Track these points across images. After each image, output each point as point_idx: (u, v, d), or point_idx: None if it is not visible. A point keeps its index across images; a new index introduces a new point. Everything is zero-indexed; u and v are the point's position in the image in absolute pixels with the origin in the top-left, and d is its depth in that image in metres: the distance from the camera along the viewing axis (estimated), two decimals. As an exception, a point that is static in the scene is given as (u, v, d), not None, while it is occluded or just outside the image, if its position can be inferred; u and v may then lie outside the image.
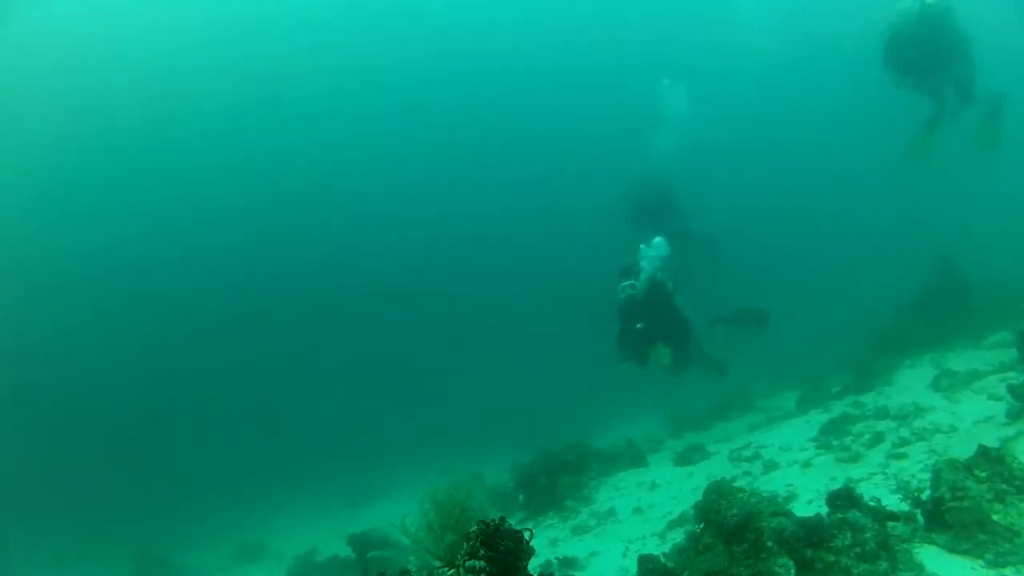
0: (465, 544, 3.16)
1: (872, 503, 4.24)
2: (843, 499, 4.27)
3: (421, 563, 3.73)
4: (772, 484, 6.44)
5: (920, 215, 18.28)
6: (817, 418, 8.08)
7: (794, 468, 6.70)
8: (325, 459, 17.78)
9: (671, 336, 9.44)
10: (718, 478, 7.04)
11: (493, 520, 3.17)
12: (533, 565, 6.80)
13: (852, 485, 5.48)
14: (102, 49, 28.63)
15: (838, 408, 8.09)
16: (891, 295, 11.92)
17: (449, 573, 3.21)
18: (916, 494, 4.43)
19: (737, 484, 6.76)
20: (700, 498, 4.87)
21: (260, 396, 25.20)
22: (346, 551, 9.07)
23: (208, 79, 31.71)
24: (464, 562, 3.02)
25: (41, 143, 28.52)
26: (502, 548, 3.03)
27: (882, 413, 7.20)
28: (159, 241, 32.52)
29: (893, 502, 4.58)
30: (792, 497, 5.88)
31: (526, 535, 3.18)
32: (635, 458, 9.12)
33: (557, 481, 8.61)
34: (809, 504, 5.58)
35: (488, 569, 2.97)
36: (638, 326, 9.33)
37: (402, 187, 35.06)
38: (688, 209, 15.44)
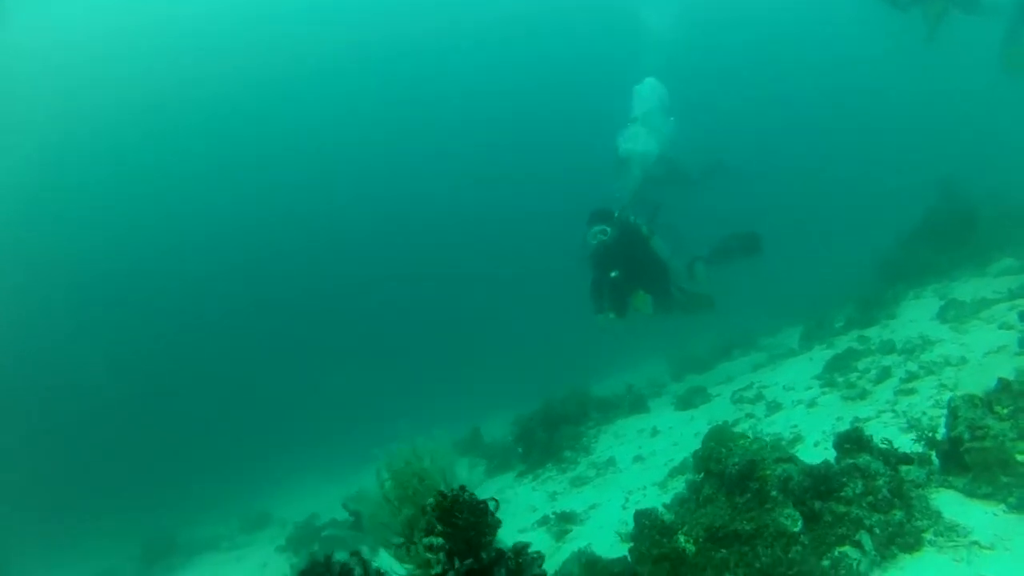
0: (422, 518, 2.75)
1: (883, 445, 3.85)
2: (852, 442, 3.88)
3: (378, 540, 3.35)
4: (776, 426, 6.10)
5: (921, 140, 17.74)
6: (821, 355, 7.70)
7: (799, 408, 6.34)
8: (330, 424, 17.54)
9: (650, 282, 8.79)
10: (720, 422, 6.71)
11: (452, 490, 2.75)
12: (531, 521, 6.57)
13: (860, 424, 5.16)
14: (101, 49, 27.98)
15: (842, 343, 7.71)
16: (893, 224, 11.51)
17: (404, 551, 2.82)
18: (929, 433, 4.04)
19: (740, 427, 6.44)
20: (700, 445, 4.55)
21: (262, 372, 24.95)
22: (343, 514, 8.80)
23: (207, 78, 31.12)
24: (420, 539, 2.63)
25: (40, 144, 28.02)
26: (461, 522, 2.63)
27: (888, 347, 6.81)
28: (166, 231, 32.32)
29: (905, 443, 4.21)
30: (797, 439, 5.52)
31: (491, 505, 2.76)
32: (635, 404, 8.77)
33: (556, 432, 8.29)
34: (816, 447, 5.22)
35: (446, 546, 2.59)
36: (612, 274, 8.67)
37: (395, 165, 34.73)
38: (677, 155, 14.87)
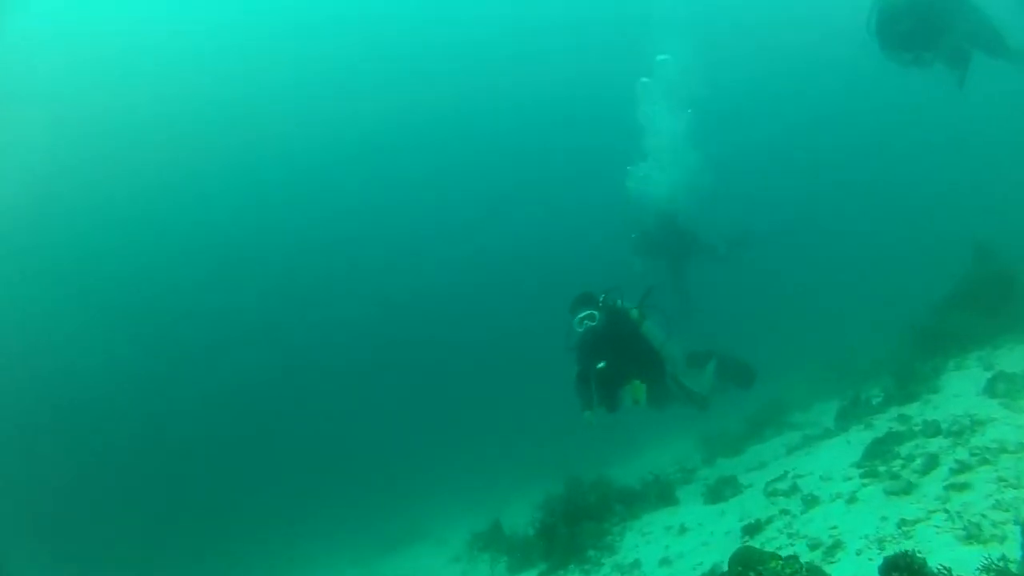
0: None
1: (942, 574, 3.19)
2: (903, 571, 3.23)
3: None
4: (813, 526, 5.39)
5: (948, 201, 17.11)
6: (859, 437, 7.00)
7: (838, 504, 5.62)
8: (350, 501, 16.90)
9: (643, 373, 7.98)
10: (752, 519, 6.03)
11: None
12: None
13: (908, 529, 4.49)
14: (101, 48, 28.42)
15: (882, 424, 7.00)
16: (925, 289, 10.85)
17: None
18: (1001, 563, 3.37)
19: (774, 526, 5.77)
20: (732, 549, 3.92)
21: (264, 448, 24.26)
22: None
23: (210, 77, 31.37)
24: None
25: (40, 143, 28.20)
26: None
27: (932, 429, 6.10)
28: (173, 255, 32.10)
29: (966, 559, 3.54)
30: (837, 546, 4.81)
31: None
32: (663, 495, 8.05)
33: (578, 529, 7.61)
34: (858, 556, 4.52)
35: None
36: (600, 365, 7.95)
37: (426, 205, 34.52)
38: (696, 224, 14.30)
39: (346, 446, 22.25)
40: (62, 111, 28.50)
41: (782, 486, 6.59)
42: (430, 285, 31.73)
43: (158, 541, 16.51)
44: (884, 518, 4.88)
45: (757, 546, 5.43)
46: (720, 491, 7.32)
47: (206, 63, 31.09)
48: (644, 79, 12.44)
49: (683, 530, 6.84)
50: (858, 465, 6.19)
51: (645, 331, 8.31)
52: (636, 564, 6.51)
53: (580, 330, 8.09)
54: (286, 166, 34.09)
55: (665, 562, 6.30)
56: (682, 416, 11.51)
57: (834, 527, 5.18)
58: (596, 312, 8.09)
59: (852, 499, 5.55)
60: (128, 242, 31.91)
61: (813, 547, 4.98)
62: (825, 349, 13.60)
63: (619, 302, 8.40)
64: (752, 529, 5.90)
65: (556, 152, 33.36)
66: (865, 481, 5.79)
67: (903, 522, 4.63)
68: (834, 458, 6.76)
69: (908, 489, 5.20)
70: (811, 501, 5.95)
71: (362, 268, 33.39)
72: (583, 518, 7.79)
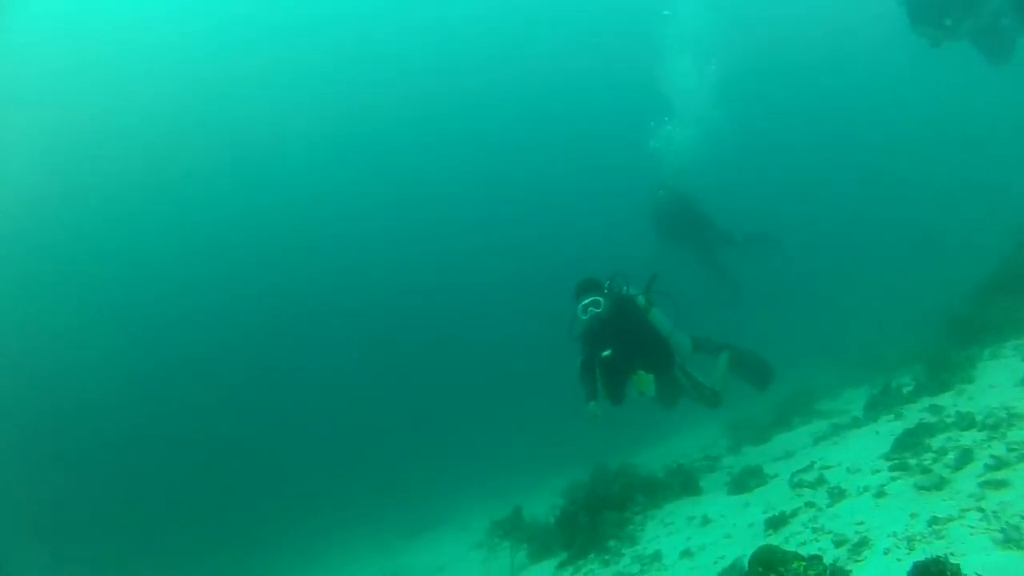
0: None
1: (976, 580, 2.97)
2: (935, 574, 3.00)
3: None
4: (839, 521, 5.13)
5: (985, 180, 16.58)
6: (889, 427, 6.73)
7: (865, 497, 5.37)
8: (372, 488, 16.89)
9: (650, 362, 7.53)
10: (777, 512, 5.80)
11: None
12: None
13: (940, 528, 4.25)
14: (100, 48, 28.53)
15: (913, 414, 6.72)
16: (959, 277, 10.50)
17: None
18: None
19: (799, 520, 5.54)
20: (755, 542, 3.72)
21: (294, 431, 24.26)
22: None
23: (214, 77, 31.36)
24: None
25: (38, 144, 28.38)
26: None
27: (966, 421, 5.81)
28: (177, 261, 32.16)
29: (1004, 565, 3.30)
30: (864, 544, 4.56)
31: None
32: (686, 484, 7.82)
33: (599, 518, 7.42)
34: (886, 555, 4.28)
35: None
36: (605, 354, 7.56)
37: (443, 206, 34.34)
38: (715, 213, 13.96)
39: (373, 434, 22.25)
40: (62, 111, 28.74)
41: (808, 477, 6.35)
42: (457, 272, 31.60)
43: (173, 535, 16.60)
44: (914, 515, 4.63)
45: (781, 540, 5.24)
46: (744, 481, 7.08)
47: (205, 63, 31.12)
48: (666, 12, 12.08)
49: (706, 521, 6.63)
50: (887, 457, 5.93)
51: (652, 318, 7.92)
52: (657, 556, 6.31)
53: (584, 317, 7.69)
54: (287, 164, 34.13)
55: (686, 554, 6.09)
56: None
57: (861, 522, 4.93)
58: (601, 299, 7.68)
59: (880, 493, 5.29)
60: (129, 241, 32.16)
61: (838, 544, 4.74)
62: (855, 336, 13.31)
63: (625, 288, 8.01)
64: (776, 522, 5.67)
65: (566, 140, 33.06)
66: (894, 474, 5.52)
67: (934, 520, 4.38)
68: (862, 449, 6.49)
69: (940, 484, 4.93)
70: (838, 494, 5.69)
71: (385, 257, 33.33)
72: (604, 507, 7.60)
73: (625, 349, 7.59)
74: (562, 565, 7.32)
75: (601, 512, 7.53)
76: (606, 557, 6.89)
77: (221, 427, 25.10)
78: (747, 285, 15.53)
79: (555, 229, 31.19)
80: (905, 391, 7.68)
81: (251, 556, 14.88)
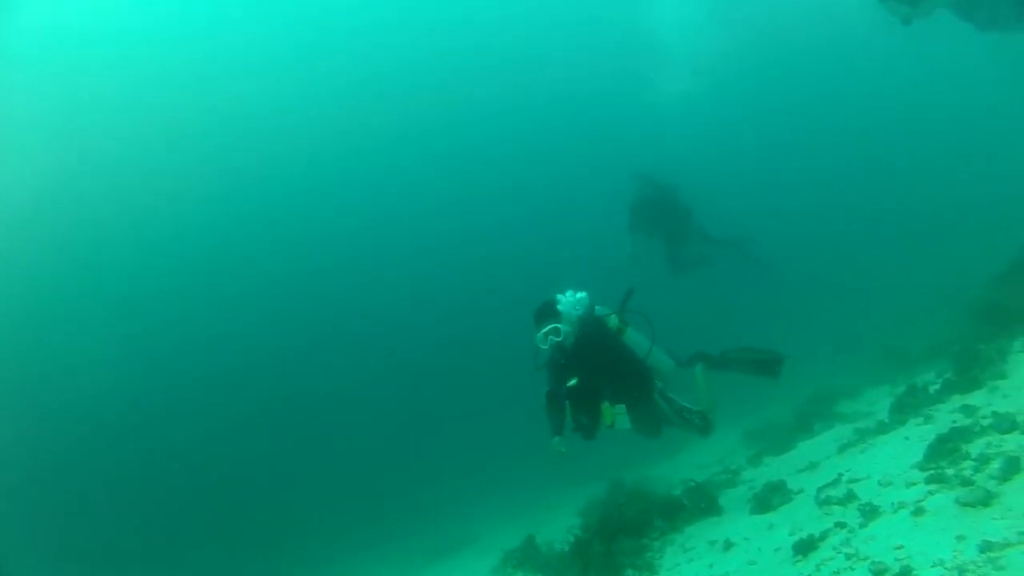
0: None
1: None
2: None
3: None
4: (875, 546, 4.54)
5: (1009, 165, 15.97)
6: (919, 432, 6.15)
7: (902, 516, 4.77)
8: (399, 507, 16.39)
9: (624, 389, 6.81)
10: (804, 535, 5.22)
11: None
12: None
13: (996, 555, 3.67)
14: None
15: (943, 417, 6.15)
16: (980, 260, 9.93)
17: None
18: None
19: (829, 542, 4.98)
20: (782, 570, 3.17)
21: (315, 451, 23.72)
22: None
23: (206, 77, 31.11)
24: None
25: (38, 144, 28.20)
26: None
27: (1006, 423, 5.21)
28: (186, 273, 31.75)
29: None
30: (907, 574, 4.00)
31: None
32: (706, 504, 7.24)
33: (615, 546, 6.86)
34: (934, 589, 3.72)
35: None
36: (571, 383, 6.84)
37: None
38: (697, 209, 13.45)
39: (398, 451, 21.77)
40: (62, 110, 28.55)
41: (836, 493, 5.74)
42: (475, 285, 31.07)
43: (190, 548, 16.20)
44: (961, 537, 4.04)
45: (811, 569, 4.69)
46: (767, 499, 6.49)
47: (206, 63, 30.91)
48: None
49: (728, 546, 6.04)
50: (921, 467, 5.34)
51: (627, 340, 7.21)
52: (677, 587, 5.77)
53: (545, 347, 7.03)
54: (290, 168, 33.80)
55: (709, 585, 5.53)
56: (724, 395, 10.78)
57: (900, 546, 4.34)
58: (560, 326, 6.96)
59: (919, 510, 4.70)
60: (132, 244, 31.87)
61: (877, 573, 4.17)
62: (872, 329, 12.77)
63: (596, 309, 7.29)
64: (804, 547, 5.08)
65: (566, 140, 32.66)
66: (932, 488, 4.93)
67: (987, 545, 3.78)
68: (892, 458, 5.91)
69: (987, 500, 4.34)
70: (870, 512, 5.09)
71: (400, 270, 32.92)
72: (620, 533, 7.03)
73: (593, 377, 6.88)
74: (578, 597, 6.78)
75: (616, 539, 6.98)
76: (624, 589, 6.34)
77: (243, 441, 24.66)
78: (744, 285, 15.07)
79: (581, 240, 30.73)
80: (932, 390, 7.07)
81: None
